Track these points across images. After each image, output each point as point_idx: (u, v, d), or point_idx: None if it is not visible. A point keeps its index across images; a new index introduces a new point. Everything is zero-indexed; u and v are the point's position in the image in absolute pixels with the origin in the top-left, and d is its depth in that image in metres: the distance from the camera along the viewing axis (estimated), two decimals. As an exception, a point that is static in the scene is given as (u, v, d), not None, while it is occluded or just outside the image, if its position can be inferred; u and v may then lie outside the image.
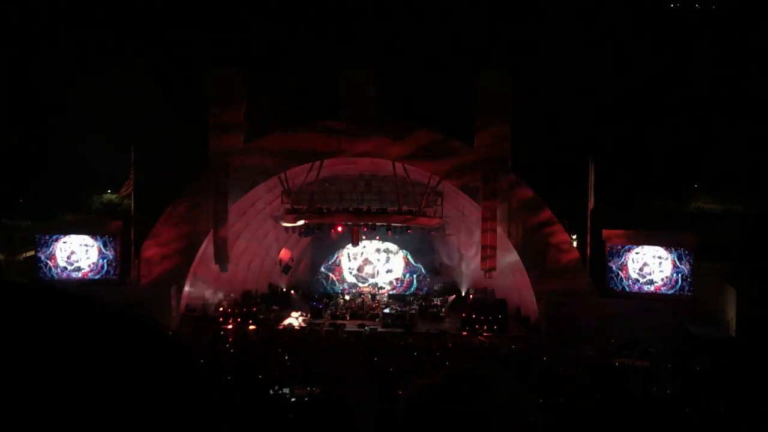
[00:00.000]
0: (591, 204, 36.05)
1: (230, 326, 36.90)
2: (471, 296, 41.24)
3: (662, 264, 36.78)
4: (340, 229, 39.53)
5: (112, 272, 39.01)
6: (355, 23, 59.39)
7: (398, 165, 37.62)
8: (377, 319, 38.95)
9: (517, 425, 1.58)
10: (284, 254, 43.18)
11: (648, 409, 20.33)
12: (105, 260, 39.16)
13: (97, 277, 38.83)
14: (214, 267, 37.81)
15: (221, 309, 38.72)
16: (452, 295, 42.49)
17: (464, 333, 36.51)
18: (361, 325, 37.50)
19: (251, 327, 36.79)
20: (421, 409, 1.60)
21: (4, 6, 56.96)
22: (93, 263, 39.17)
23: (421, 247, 43.97)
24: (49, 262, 39.21)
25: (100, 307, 0.96)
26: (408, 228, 38.25)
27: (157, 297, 35.48)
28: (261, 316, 38.16)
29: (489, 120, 36.66)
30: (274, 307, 40.20)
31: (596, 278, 36.86)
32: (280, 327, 37.61)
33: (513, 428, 1.58)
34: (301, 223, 38.08)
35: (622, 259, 37.31)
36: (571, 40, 57.83)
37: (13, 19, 56.85)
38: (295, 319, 39.15)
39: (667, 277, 36.69)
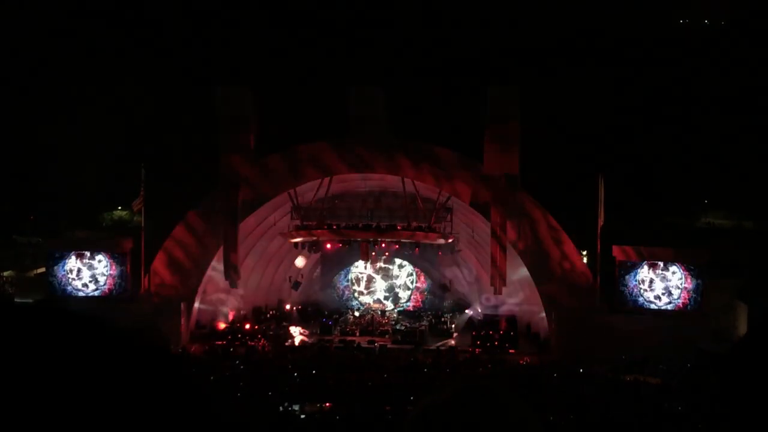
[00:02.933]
0: (601, 220, 35.97)
1: (240, 343, 36.87)
2: (481, 313, 41.12)
3: (673, 280, 36.60)
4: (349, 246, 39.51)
5: (122, 289, 39.01)
6: (363, 41, 59.60)
7: (407, 181, 37.62)
8: (387, 336, 38.86)
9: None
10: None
11: (659, 427, 20.22)
12: (115, 277, 39.16)
13: (107, 294, 38.83)
14: (224, 283, 37.82)
15: (231, 325, 38.72)
16: (463, 312, 42.35)
17: (474, 350, 36.40)
18: (371, 342, 37.40)
19: (261, 343, 36.75)
20: (427, 428, 1.61)
21: (19, 24, 57.33)
22: (103, 280, 39.19)
23: (431, 264, 43.87)
24: (59, 279, 39.26)
25: (110, 331, 0.97)
26: (417, 244, 38.19)
27: (167, 314, 35.55)
28: (271, 333, 38.15)
29: (498, 137, 36.65)
30: (284, 324, 40.15)
31: (606, 295, 36.73)
32: (290, 343, 37.57)
33: None
34: (310, 239, 38.12)
35: (633, 276, 37.14)
36: (580, 55, 57.89)
37: (27, 35, 57.27)
38: (298, 335, 39.19)
39: (677, 294, 36.51)
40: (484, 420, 1.58)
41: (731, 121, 53.23)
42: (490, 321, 39.06)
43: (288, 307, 43.05)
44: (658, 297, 36.74)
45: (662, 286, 36.74)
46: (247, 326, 38.86)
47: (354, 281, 45.15)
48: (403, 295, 44.84)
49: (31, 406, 0.86)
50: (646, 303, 36.89)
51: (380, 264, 44.35)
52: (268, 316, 41.56)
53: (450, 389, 1.68)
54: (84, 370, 0.91)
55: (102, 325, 0.99)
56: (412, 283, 45.03)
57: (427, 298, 44.73)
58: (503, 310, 40.54)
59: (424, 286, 44.88)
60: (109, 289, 39.02)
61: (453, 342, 38.23)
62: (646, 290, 36.92)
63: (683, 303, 36.46)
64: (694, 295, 36.33)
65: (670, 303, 36.60)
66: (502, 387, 1.70)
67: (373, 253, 41.37)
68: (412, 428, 1.65)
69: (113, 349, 0.98)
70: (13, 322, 0.94)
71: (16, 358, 0.89)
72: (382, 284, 44.90)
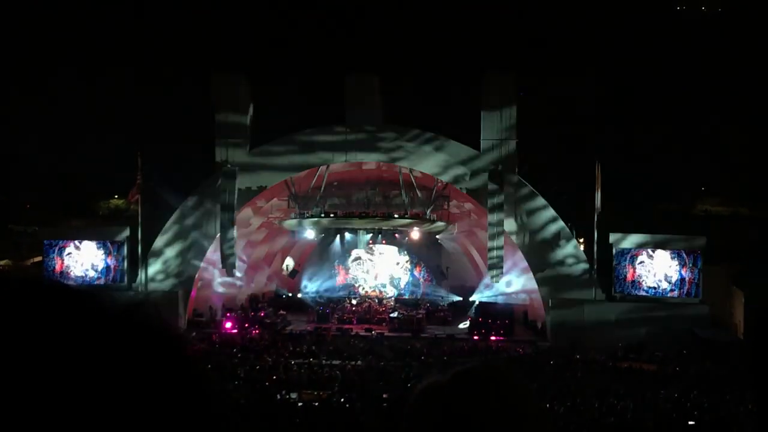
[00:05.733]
0: (598, 207, 35.98)
1: (237, 331, 36.86)
2: (478, 300, 41.14)
3: (669, 267, 36.62)
4: (347, 234, 39.59)
5: (118, 277, 38.99)
6: (360, 28, 59.44)
7: (404, 169, 37.61)
8: (384, 324, 38.88)
9: (524, 426, 1.59)
10: (289, 261, 43.10)
11: (656, 413, 20.28)
12: (112, 265, 39.13)
13: (103, 282, 38.77)
14: (221, 272, 37.82)
15: (228, 314, 38.74)
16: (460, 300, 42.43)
17: (472, 337, 36.44)
18: (368, 330, 37.43)
19: (258, 331, 36.74)
20: (427, 410, 1.61)
21: (15, 10, 57.10)
22: (100, 269, 39.16)
23: (428, 251, 43.88)
24: (55, 267, 39.21)
25: (108, 305, 0.96)
26: (414, 232, 38.19)
27: (164, 302, 35.51)
28: (268, 321, 38.14)
29: (495, 123, 36.63)
30: (281, 312, 40.16)
31: (603, 282, 36.76)
32: (287, 331, 37.58)
33: (520, 429, 1.58)
34: (307, 227, 38.16)
35: (629, 262, 37.16)
36: (577, 42, 57.79)
37: (24, 23, 57.06)
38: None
39: (674, 280, 36.54)
40: (485, 400, 1.58)
41: (728, 108, 53.18)
42: (487, 308, 39.05)
43: (284, 296, 43.15)
44: (654, 284, 36.77)
45: (659, 272, 36.77)
46: (244, 314, 38.88)
47: (351, 269, 45.10)
48: (400, 282, 44.85)
49: (19, 384, 0.85)
50: (642, 290, 36.93)
51: (378, 252, 44.34)
52: (265, 304, 41.59)
53: (450, 371, 1.68)
54: (78, 344, 0.90)
55: (97, 298, 0.98)
56: (409, 270, 45.04)
57: (423, 286, 44.70)
58: (501, 297, 40.57)
59: (421, 273, 44.88)
60: (105, 277, 38.98)
61: (450, 329, 38.29)
62: (642, 277, 36.95)
63: (679, 289, 36.50)
64: (690, 282, 36.36)
65: (666, 290, 36.64)
66: (503, 368, 1.69)
67: (370, 241, 41.40)
68: (412, 410, 1.64)
69: (110, 322, 0.96)
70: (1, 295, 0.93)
71: (5, 333, 0.87)
72: (380, 272, 44.88)
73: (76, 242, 39.37)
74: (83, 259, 39.27)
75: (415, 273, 44.92)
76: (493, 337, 36.17)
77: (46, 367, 0.84)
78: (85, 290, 0.97)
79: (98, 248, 39.22)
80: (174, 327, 1.06)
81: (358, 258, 44.80)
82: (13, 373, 0.83)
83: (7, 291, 0.91)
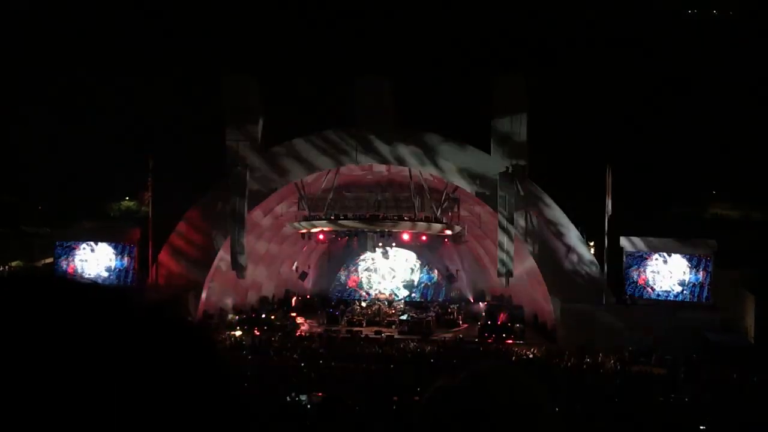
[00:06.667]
0: (609, 210, 35.87)
1: (247, 333, 36.88)
2: (488, 303, 41.09)
3: (680, 271, 36.51)
4: (356, 236, 39.55)
5: (130, 279, 39.10)
6: (371, 31, 59.47)
7: (414, 172, 37.57)
8: (394, 326, 38.85)
9: (536, 427, 1.60)
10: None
11: (666, 417, 20.21)
12: (123, 267, 39.25)
13: (115, 284, 38.85)
14: (231, 274, 37.85)
15: (238, 316, 38.79)
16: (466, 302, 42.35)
17: (482, 339, 36.38)
18: (378, 332, 37.40)
19: (268, 334, 36.76)
20: (439, 411, 1.62)
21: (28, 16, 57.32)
22: (111, 270, 39.28)
23: (438, 254, 43.85)
24: (67, 269, 39.33)
25: (138, 303, 0.97)
26: (424, 235, 38.16)
27: (175, 304, 35.57)
28: (278, 323, 38.17)
29: (505, 126, 36.54)
30: (291, 314, 40.17)
31: (614, 285, 36.66)
32: (297, 333, 37.60)
33: (532, 430, 1.59)
34: (317, 229, 38.16)
35: (640, 266, 37.06)
36: (588, 45, 57.69)
37: (36, 27, 57.29)
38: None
39: (685, 284, 36.42)
40: (497, 401, 1.59)
41: (739, 111, 53.00)
42: (496, 311, 39.01)
43: (294, 298, 43.18)
44: (665, 288, 36.65)
45: (669, 276, 36.66)
46: (254, 316, 38.93)
47: (361, 272, 45.12)
48: (410, 285, 44.85)
49: (56, 383, 0.85)
50: (653, 293, 36.83)
51: (387, 255, 44.29)
52: (275, 306, 41.64)
53: (463, 373, 1.69)
54: (111, 342, 0.91)
55: (127, 296, 0.99)
56: (418, 273, 45.03)
57: (433, 288, 44.68)
58: (510, 300, 40.54)
59: (431, 276, 44.86)
60: (116, 279, 39.09)
61: (460, 333, 38.26)
62: (653, 281, 36.85)
63: (690, 294, 36.39)
64: (701, 286, 36.24)
65: (677, 293, 36.53)
66: (515, 370, 1.71)
67: (380, 244, 41.38)
68: (425, 411, 1.65)
69: (141, 320, 0.97)
70: (28, 293, 0.93)
71: (37, 331, 0.88)
72: (389, 275, 44.86)
73: (88, 243, 39.50)
74: (95, 260, 39.38)
75: (431, 275, 44.94)
76: (503, 340, 36.11)
77: (78, 366, 0.85)
78: (115, 288, 0.98)
79: (109, 250, 39.34)
80: (202, 325, 1.07)
81: (368, 260, 44.80)
82: (49, 372, 0.84)
83: (38, 290, 0.92)
